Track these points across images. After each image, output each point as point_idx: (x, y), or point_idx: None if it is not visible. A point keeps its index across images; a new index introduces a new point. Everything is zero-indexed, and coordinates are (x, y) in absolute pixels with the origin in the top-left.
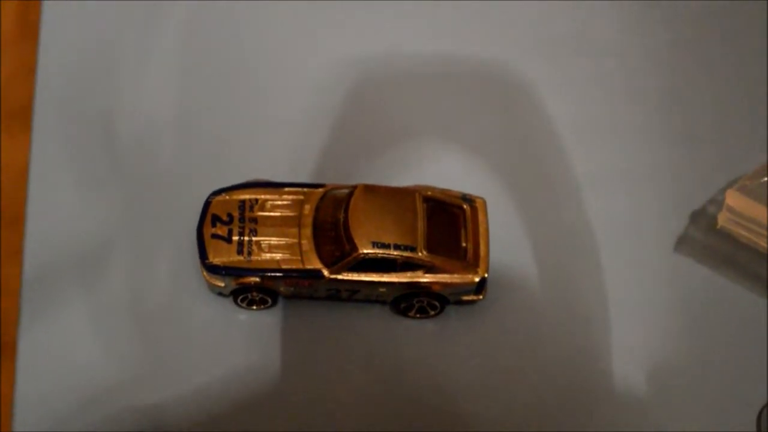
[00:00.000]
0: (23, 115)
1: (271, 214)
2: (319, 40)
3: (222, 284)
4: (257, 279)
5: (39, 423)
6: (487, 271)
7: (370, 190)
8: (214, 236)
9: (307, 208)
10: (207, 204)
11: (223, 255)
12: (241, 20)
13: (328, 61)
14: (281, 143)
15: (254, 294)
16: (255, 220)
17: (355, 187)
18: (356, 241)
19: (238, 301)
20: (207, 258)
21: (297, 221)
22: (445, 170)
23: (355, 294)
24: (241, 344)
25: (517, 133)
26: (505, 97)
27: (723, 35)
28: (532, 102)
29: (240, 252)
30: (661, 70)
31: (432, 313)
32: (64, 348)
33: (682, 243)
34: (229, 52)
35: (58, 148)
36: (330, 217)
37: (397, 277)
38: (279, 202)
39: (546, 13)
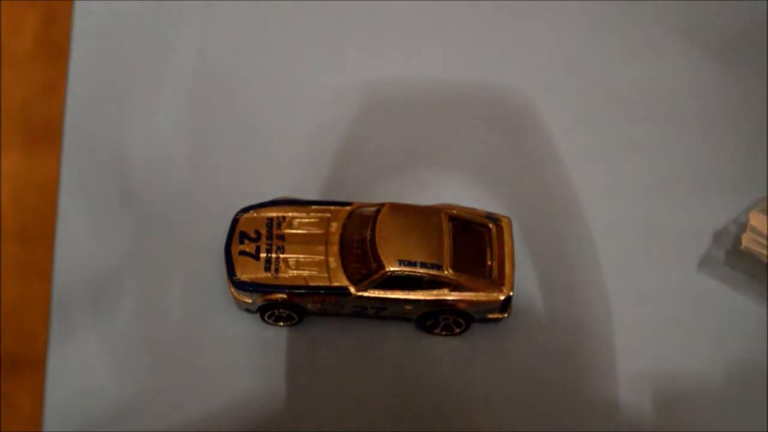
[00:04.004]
0: (43, 134)
1: (299, 231)
2: (332, 64)
3: (249, 300)
4: (284, 295)
5: None
6: (512, 289)
7: (397, 208)
8: (242, 253)
9: (334, 226)
10: (235, 221)
11: (250, 271)
12: (254, 45)
13: (342, 84)
14: (294, 165)
15: (281, 310)
16: (282, 237)
17: (381, 206)
18: (383, 258)
19: (265, 317)
20: (235, 274)
21: (324, 239)
22: (460, 191)
23: (382, 311)
24: (266, 360)
25: (534, 154)
26: (519, 120)
27: (749, 52)
28: (546, 122)
29: (267, 269)
30: (680, 90)
31: (457, 330)
32: (89, 367)
33: (705, 263)
34: (242, 77)
35: (82, 171)
36: (357, 235)
37: (422, 294)
38: (306, 220)
39: (556, 39)
